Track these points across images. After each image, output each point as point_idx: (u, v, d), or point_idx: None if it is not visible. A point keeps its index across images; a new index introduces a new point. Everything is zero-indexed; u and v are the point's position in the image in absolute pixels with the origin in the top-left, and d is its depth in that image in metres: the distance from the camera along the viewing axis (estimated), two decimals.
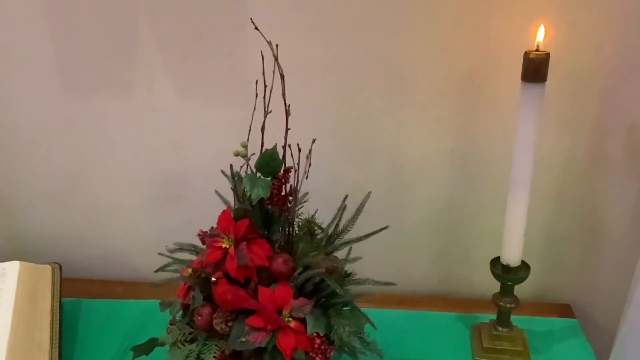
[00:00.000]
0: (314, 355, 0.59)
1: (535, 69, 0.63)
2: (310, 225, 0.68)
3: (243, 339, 0.59)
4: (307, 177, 0.62)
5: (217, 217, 0.63)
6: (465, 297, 0.90)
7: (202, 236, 0.65)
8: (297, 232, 0.66)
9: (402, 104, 0.80)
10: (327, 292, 0.62)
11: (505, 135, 0.78)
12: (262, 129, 0.61)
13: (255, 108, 0.61)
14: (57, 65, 0.83)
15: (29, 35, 0.81)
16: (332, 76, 0.80)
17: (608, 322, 0.85)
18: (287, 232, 0.65)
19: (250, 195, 0.60)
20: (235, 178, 0.65)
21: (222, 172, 0.66)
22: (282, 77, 0.59)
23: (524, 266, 0.74)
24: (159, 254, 0.67)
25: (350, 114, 0.82)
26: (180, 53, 0.81)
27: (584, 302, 0.89)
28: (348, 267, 0.66)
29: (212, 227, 0.64)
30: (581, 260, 0.87)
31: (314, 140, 0.61)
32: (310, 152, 0.61)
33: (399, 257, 0.90)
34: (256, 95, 0.60)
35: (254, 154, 0.61)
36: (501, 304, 0.75)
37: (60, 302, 0.81)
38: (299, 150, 0.61)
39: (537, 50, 0.64)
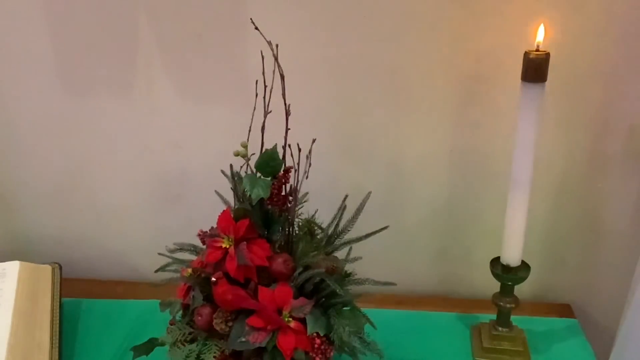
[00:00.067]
0: (314, 355, 0.59)
1: (535, 69, 0.63)
2: (310, 225, 0.68)
3: (243, 339, 0.59)
4: (307, 177, 0.62)
5: (217, 217, 0.63)
6: (465, 297, 0.90)
7: (202, 236, 0.65)
8: (297, 232, 0.66)
9: (402, 104, 0.80)
10: (327, 292, 0.62)
11: (505, 135, 0.78)
12: (262, 129, 0.61)
13: (255, 108, 0.61)
14: (57, 65, 0.83)
15: (28, 35, 0.81)
16: (332, 76, 0.80)
17: (608, 322, 0.85)
18: (287, 232, 0.65)
19: (250, 195, 0.60)
20: (235, 178, 0.65)
21: (222, 172, 0.66)
22: (282, 77, 0.59)
23: (524, 266, 0.74)
24: (159, 254, 0.67)
25: (350, 114, 0.82)
26: (180, 53, 0.81)
27: (584, 302, 0.89)
28: (348, 267, 0.66)
29: (212, 227, 0.64)
30: (581, 260, 0.87)
31: (314, 140, 0.61)
32: (310, 152, 0.61)
33: (399, 257, 0.90)
34: (256, 95, 0.60)
35: (254, 154, 0.61)
36: (501, 304, 0.75)
37: (60, 302, 0.81)
38: (299, 150, 0.61)
39: (537, 50, 0.64)
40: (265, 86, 0.60)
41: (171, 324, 0.65)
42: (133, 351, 0.64)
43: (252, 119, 0.62)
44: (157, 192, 0.90)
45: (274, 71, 0.59)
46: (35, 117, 0.86)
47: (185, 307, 0.64)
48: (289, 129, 0.60)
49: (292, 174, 0.62)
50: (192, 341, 0.62)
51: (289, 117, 0.60)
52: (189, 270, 0.63)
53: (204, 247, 0.65)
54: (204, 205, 0.69)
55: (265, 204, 0.62)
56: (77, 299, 0.87)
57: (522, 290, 0.76)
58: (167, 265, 0.67)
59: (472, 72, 0.77)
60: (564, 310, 0.87)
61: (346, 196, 0.68)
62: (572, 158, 0.81)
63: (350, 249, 0.67)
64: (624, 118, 0.78)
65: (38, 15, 0.80)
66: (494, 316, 0.78)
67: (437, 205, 0.86)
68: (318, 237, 0.67)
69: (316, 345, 0.59)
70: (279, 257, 0.62)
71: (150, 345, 0.64)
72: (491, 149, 0.81)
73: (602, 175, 0.81)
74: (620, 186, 0.82)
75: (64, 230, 0.94)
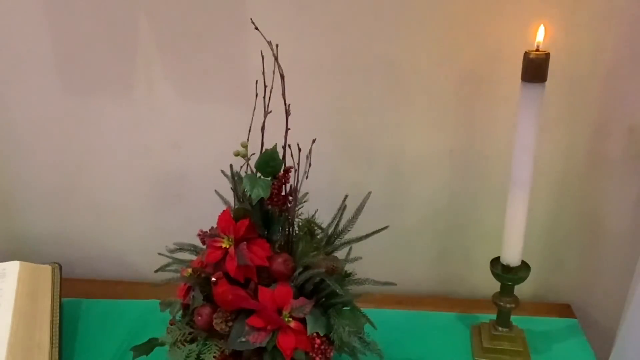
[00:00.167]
0: (314, 355, 0.59)
1: (535, 69, 0.63)
2: (310, 225, 0.68)
3: (243, 339, 0.59)
4: (307, 177, 0.62)
5: (217, 217, 0.63)
6: (465, 297, 0.90)
7: (202, 236, 0.65)
8: (297, 232, 0.66)
9: (402, 104, 0.80)
10: (327, 292, 0.62)
11: (505, 135, 0.78)
12: (262, 129, 0.61)
13: (255, 108, 0.61)
14: (57, 65, 0.83)
15: (29, 35, 0.81)
16: (332, 76, 0.80)
17: (608, 322, 0.85)
18: (287, 232, 0.65)
19: (250, 195, 0.60)
20: (235, 178, 0.65)
21: (222, 172, 0.66)
22: (282, 77, 0.59)
23: (524, 266, 0.74)
24: (159, 254, 0.67)
25: (350, 114, 0.82)
26: (180, 53, 0.81)
27: (584, 302, 0.89)
28: (348, 267, 0.66)
29: (212, 227, 0.64)
30: (581, 260, 0.87)
31: (314, 140, 0.61)
32: (310, 152, 0.61)
33: (399, 257, 0.90)
34: (256, 95, 0.60)
35: (254, 154, 0.61)
36: (501, 304, 0.75)
37: (60, 302, 0.81)
38: (299, 150, 0.61)
39: (537, 50, 0.64)
40: (265, 86, 0.60)
41: (171, 324, 0.65)
42: (133, 351, 0.64)
43: (252, 119, 0.62)
44: (157, 192, 0.90)
45: (274, 71, 0.59)
46: (35, 117, 0.86)
47: (185, 307, 0.64)
48: (289, 129, 0.60)
49: (292, 174, 0.62)
50: (192, 341, 0.62)
51: (289, 117, 0.60)
52: (189, 270, 0.63)
53: (204, 247, 0.65)
54: (204, 205, 0.69)
55: (265, 204, 0.62)
56: (77, 299, 0.87)
57: (522, 290, 0.76)
58: (167, 265, 0.67)
59: (472, 72, 0.77)
60: (564, 310, 0.87)
61: (346, 196, 0.68)
62: (572, 158, 0.81)
63: (350, 249, 0.67)
64: (624, 118, 0.78)
65: (38, 15, 0.80)
66: (494, 316, 0.78)
67: (437, 205, 0.86)
68: (318, 237, 0.67)
69: (316, 345, 0.59)
70: (279, 257, 0.62)
71: (150, 345, 0.64)
72: (491, 149, 0.81)
73: (602, 176, 0.81)
74: (620, 186, 0.81)
75: (64, 230, 0.94)
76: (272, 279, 0.62)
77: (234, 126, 0.65)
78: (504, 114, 0.78)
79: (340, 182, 0.84)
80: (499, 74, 0.76)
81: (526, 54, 0.63)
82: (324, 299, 0.63)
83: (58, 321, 0.78)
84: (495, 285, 0.75)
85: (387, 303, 0.85)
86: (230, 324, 0.60)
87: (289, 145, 0.62)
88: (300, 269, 0.62)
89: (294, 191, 0.63)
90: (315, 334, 0.60)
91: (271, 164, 0.61)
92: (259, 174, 0.61)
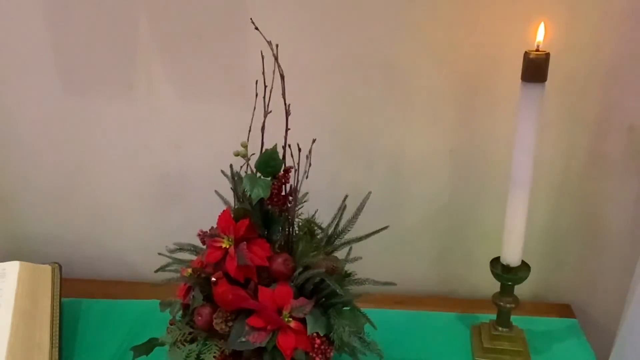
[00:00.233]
0: (314, 355, 0.59)
1: (535, 69, 0.63)
2: (310, 225, 0.68)
3: (243, 339, 0.59)
4: (307, 177, 0.62)
5: (217, 217, 0.63)
6: (465, 297, 0.90)
7: (202, 236, 0.65)
8: (297, 232, 0.66)
9: (402, 104, 0.80)
10: (327, 292, 0.62)
11: (505, 135, 0.78)
12: (262, 129, 0.61)
13: (255, 108, 0.61)
14: (57, 65, 0.83)
15: (29, 35, 0.81)
16: (332, 76, 0.80)
17: (608, 322, 0.85)
18: (287, 232, 0.65)
19: (250, 195, 0.60)
20: (235, 178, 0.65)
21: (222, 172, 0.66)
22: (282, 77, 0.59)
23: (524, 266, 0.74)
24: (159, 254, 0.67)
25: (350, 114, 0.82)
26: (180, 53, 0.81)
27: (584, 302, 0.89)
28: (348, 267, 0.66)
29: (212, 227, 0.64)
30: (581, 261, 0.87)
31: (314, 140, 0.61)
32: (310, 152, 0.61)
33: (399, 257, 0.90)
34: (256, 95, 0.60)
35: (254, 154, 0.61)
36: (501, 304, 0.75)
37: (60, 302, 0.81)
38: (299, 150, 0.61)
39: (537, 50, 0.64)
40: (265, 86, 0.60)
41: (171, 324, 0.65)
42: (133, 351, 0.64)
43: (252, 119, 0.62)
44: (157, 192, 0.90)
45: (274, 71, 0.59)
46: (35, 117, 0.86)
47: (185, 307, 0.64)
48: (289, 129, 0.60)
49: (292, 174, 0.62)
50: (192, 341, 0.62)
51: (289, 117, 0.60)
52: (189, 270, 0.63)
53: (204, 247, 0.65)
54: (204, 205, 0.69)
55: (265, 204, 0.62)
56: (77, 299, 0.87)
57: (522, 290, 0.76)
58: (167, 265, 0.67)
59: (472, 72, 0.77)
60: (564, 310, 0.87)
61: (346, 196, 0.68)
62: (572, 158, 0.81)
63: (350, 249, 0.67)
64: (624, 118, 0.78)
65: (38, 16, 0.80)
66: (494, 316, 0.78)
67: (437, 205, 0.86)
68: (318, 237, 0.67)
69: (316, 345, 0.59)
70: (279, 257, 0.62)
71: (150, 345, 0.64)
72: (491, 149, 0.81)
73: (602, 175, 0.81)
74: (620, 186, 0.82)
75: (64, 230, 0.94)
76: (272, 279, 0.62)
77: (234, 126, 0.65)
78: (504, 114, 0.78)
79: (340, 182, 0.84)
80: (499, 74, 0.76)
81: (526, 54, 0.63)
82: (324, 299, 0.63)
83: (58, 321, 0.78)
84: (495, 285, 0.75)
85: (387, 303, 0.85)
86: (230, 324, 0.60)
87: (289, 145, 0.62)
88: (300, 269, 0.62)
89: (294, 191, 0.63)
90: (315, 334, 0.60)
91: (271, 164, 0.61)
92: (259, 174, 0.61)
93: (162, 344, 0.63)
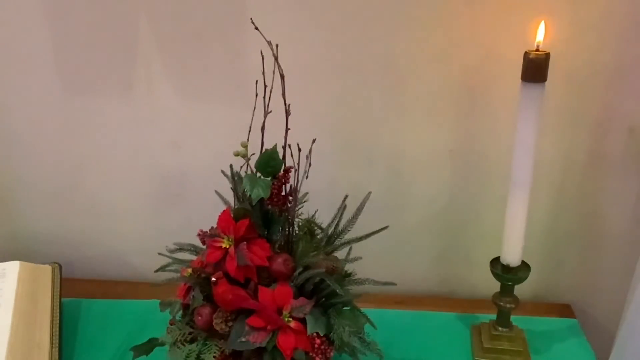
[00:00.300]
0: (314, 355, 0.59)
1: (535, 69, 0.63)
2: (310, 225, 0.68)
3: (243, 339, 0.59)
4: (307, 177, 0.62)
5: (217, 217, 0.63)
6: (465, 297, 0.90)
7: (202, 236, 0.65)
8: (297, 232, 0.66)
9: (402, 104, 0.80)
10: (327, 292, 0.62)
11: (505, 135, 0.78)
12: (262, 129, 0.61)
13: (255, 108, 0.61)
14: (57, 65, 0.83)
15: (29, 35, 0.81)
16: (332, 76, 0.80)
17: (608, 322, 0.85)
18: (287, 232, 0.65)
19: (250, 195, 0.60)
20: (235, 178, 0.65)
21: (222, 172, 0.66)
22: (282, 77, 0.59)
23: (524, 266, 0.74)
24: (159, 254, 0.67)
25: (350, 114, 0.82)
26: (180, 53, 0.81)
27: (584, 302, 0.89)
28: (348, 267, 0.66)
29: (212, 227, 0.64)
30: (581, 260, 0.87)
31: (314, 140, 0.61)
32: (310, 152, 0.61)
33: (399, 257, 0.90)
34: (256, 95, 0.60)
35: (254, 154, 0.61)
36: (501, 304, 0.75)
37: (60, 302, 0.81)
38: (299, 150, 0.61)
39: (537, 50, 0.64)
40: (265, 86, 0.60)
41: (171, 324, 0.65)
42: (133, 351, 0.64)
43: (252, 119, 0.62)
44: (157, 192, 0.90)
45: (274, 71, 0.59)
46: (35, 117, 0.86)
47: (185, 307, 0.64)
48: (289, 129, 0.60)
49: (292, 174, 0.62)
50: (192, 341, 0.62)
51: (289, 117, 0.60)
52: (189, 270, 0.63)
53: (204, 247, 0.65)
54: (204, 205, 0.69)
55: (265, 204, 0.62)
56: (77, 299, 0.87)
57: (522, 290, 0.76)
58: (167, 265, 0.67)
59: (472, 72, 0.77)
60: (564, 310, 0.87)
61: (346, 196, 0.68)
62: (572, 158, 0.81)
63: (350, 249, 0.67)
64: (624, 118, 0.78)
65: (38, 15, 0.80)
66: (494, 316, 0.78)
67: (437, 205, 0.86)
68: (318, 237, 0.67)
69: (316, 345, 0.59)
70: (279, 257, 0.62)
71: (150, 345, 0.64)
72: (491, 149, 0.81)
73: (602, 175, 0.81)
74: (620, 186, 0.82)
75: (64, 230, 0.94)
76: (272, 279, 0.62)
77: (234, 126, 0.65)
78: (504, 114, 0.78)
79: (340, 182, 0.84)
80: (499, 74, 0.76)
81: (526, 54, 0.63)
82: (324, 299, 0.63)
83: (58, 321, 0.78)
84: (495, 285, 0.75)
85: (387, 303, 0.85)
86: (230, 324, 0.60)
87: (289, 145, 0.62)
88: (300, 269, 0.62)
89: (294, 191, 0.63)
90: (315, 334, 0.60)
91: (271, 164, 0.61)
92: (259, 174, 0.61)
93: (162, 344, 0.63)
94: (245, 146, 0.61)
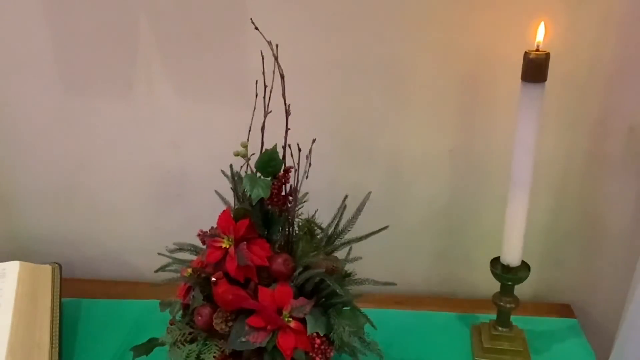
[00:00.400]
0: (314, 355, 0.59)
1: (535, 69, 0.63)
2: (310, 225, 0.68)
3: (243, 339, 0.59)
4: (307, 177, 0.62)
5: (217, 217, 0.63)
6: (465, 297, 0.90)
7: (202, 236, 0.65)
8: (297, 232, 0.66)
9: (402, 104, 0.80)
10: (327, 292, 0.62)
11: (505, 135, 0.78)
12: (262, 129, 0.61)
13: (255, 108, 0.61)
14: (57, 65, 0.83)
15: (29, 35, 0.81)
16: (332, 76, 0.80)
17: (608, 322, 0.85)
18: (287, 232, 0.65)
19: (250, 195, 0.60)
20: (235, 178, 0.65)
21: (222, 172, 0.66)
22: (282, 77, 0.59)
23: (524, 266, 0.74)
24: (159, 254, 0.67)
25: (350, 114, 0.82)
26: (180, 53, 0.81)
27: (584, 302, 0.89)
28: (348, 267, 0.66)
29: (212, 227, 0.64)
30: (581, 260, 0.87)
31: (314, 140, 0.61)
32: (310, 152, 0.61)
33: (399, 257, 0.90)
34: (256, 95, 0.60)
35: (254, 154, 0.61)
36: (501, 304, 0.75)
37: (60, 302, 0.81)
38: (299, 150, 0.61)
39: (537, 50, 0.64)
40: (265, 86, 0.60)
41: (171, 324, 0.65)
42: (133, 351, 0.64)
43: (252, 119, 0.62)
44: (157, 192, 0.90)
45: (274, 71, 0.59)
46: (35, 117, 0.86)
47: (185, 307, 0.64)
48: (289, 129, 0.60)
49: (292, 174, 0.62)
50: (192, 341, 0.62)
51: (289, 117, 0.60)
52: (189, 270, 0.63)
53: (204, 247, 0.65)
54: (204, 205, 0.69)
55: (265, 204, 0.62)
56: (77, 299, 0.87)
57: (522, 290, 0.76)
58: (167, 265, 0.67)
59: (472, 72, 0.77)
60: (564, 310, 0.87)
61: (346, 196, 0.68)
62: (572, 158, 0.81)
63: (350, 249, 0.67)
64: (624, 118, 0.78)
65: (38, 15, 0.80)
66: (494, 316, 0.78)
67: (437, 205, 0.86)
68: (318, 237, 0.67)
69: (316, 345, 0.59)
70: (279, 257, 0.62)
71: (150, 345, 0.64)
72: (491, 149, 0.81)
73: (602, 176, 0.81)
74: (620, 186, 0.81)
75: (64, 230, 0.94)
76: (272, 279, 0.62)
77: (234, 126, 0.65)
78: (504, 114, 0.78)
79: (340, 182, 0.84)
80: (499, 74, 0.76)
81: (526, 54, 0.63)
82: (324, 299, 0.63)
83: (58, 321, 0.78)
84: (495, 285, 0.75)
85: (387, 303, 0.85)
86: (230, 324, 0.60)
87: (289, 145, 0.62)
88: (300, 269, 0.62)
89: (294, 191, 0.63)
90: (315, 334, 0.60)
91: (271, 164, 0.61)
92: (259, 174, 0.61)
93: (162, 344, 0.63)
94: (245, 146, 0.61)
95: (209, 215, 0.64)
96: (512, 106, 0.67)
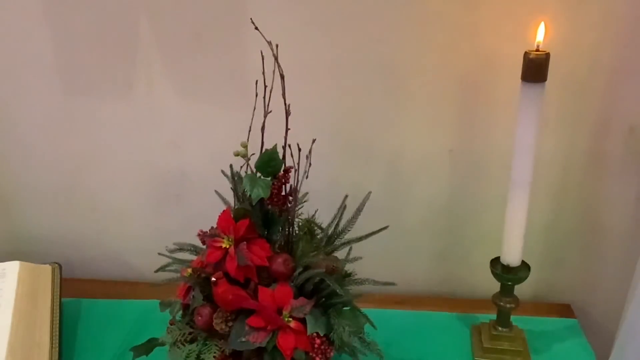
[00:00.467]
0: (314, 355, 0.59)
1: (535, 69, 0.63)
2: (310, 225, 0.68)
3: (243, 339, 0.59)
4: (307, 177, 0.62)
5: (217, 217, 0.63)
6: (465, 297, 0.90)
7: (202, 236, 0.65)
8: (297, 232, 0.66)
9: (402, 104, 0.80)
10: (327, 292, 0.62)
11: (505, 136, 0.78)
12: (262, 129, 0.61)
13: (255, 108, 0.61)
14: (57, 65, 0.83)
15: (29, 35, 0.81)
16: (332, 76, 0.80)
17: (608, 322, 0.85)
18: (287, 232, 0.65)
19: (250, 195, 0.60)
20: (235, 178, 0.65)
21: (222, 172, 0.66)
22: (282, 77, 0.59)
23: (524, 266, 0.74)
24: (159, 254, 0.67)
25: (350, 114, 0.82)
26: (180, 53, 0.81)
27: (584, 302, 0.89)
28: (348, 267, 0.66)
29: (212, 227, 0.64)
30: (581, 260, 0.87)
31: (314, 140, 0.61)
32: (310, 152, 0.61)
33: (399, 257, 0.90)
34: (256, 95, 0.60)
35: (254, 154, 0.61)
36: (501, 304, 0.75)
37: (60, 302, 0.81)
38: (299, 150, 0.61)
39: (537, 50, 0.64)
40: (265, 86, 0.60)
41: (171, 324, 0.65)
42: (133, 351, 0.64)
43: (252, 119, 0.62)
44: (157, 192, 0.90)
45: (274, 71, 0.59)
46: (35, 117, 0.86)
47: (185, 307, 0.64)
48: (289, 129, 0.60)
49: (292, 174, 0.62)
50: (192, 341, 0.62)
51: (289, 117, 0.60)
52: (189, 270, 0.63)
53: (204, 247, 0.65)
54: (204, 205, 0.69)
55: (265, 204, 0.62)
56: (77, 299, 0.87)
57: (522, 290, 0.76)
58: (167, 265, 0.67)
59: (471, 72, 0.77)
60: (564, 310, 0.87)
61: (346, 196, 0.68)
62: (572, 158, 0.81)
63: (350, 249, 0.67)
64: (624, 118, 0.78)
65: (38, 15, 0.80)
66: (494, 316, 0.78)
67: (437, 205, 0.86)
68: (318, 237, 0.67)
69: (316, 345, 0.59)
70: (279, 257, 0.62)
71: (150, 345, 0.64)
72: (491, 149, 0.81)
73: (602, 176, 0.81)
74: (620, 186, 0.81)
75: (64, 230, 0.94)
76: (272, 279, 0.62)
77: (234, 126, 0.65)
78: (504, 114, 0.78)
79: (340, 182, 0.84)
80: (499, 74, 0.76)
81: (526, 54, 0.63)
82: (324, 299, 0.63)
83: (58, 321, 0.78)
84: (495, 285, 0.75)
85: (387, 303, 0.85)
86: (230, 324, 0.60)
87: (289, 145, 0.62)
88: (300, 269, 0.62)
89: (294, 191, 0.63)
90: (315, 334, 0.60)
91: (271, 164, 0.61)
92: (259, 174, 0.61)
93: (162, 344, 0.63)
94: (245, 146, 0.61)
95: (209, 215, 0.64)
96: (512, 106, 0.67)
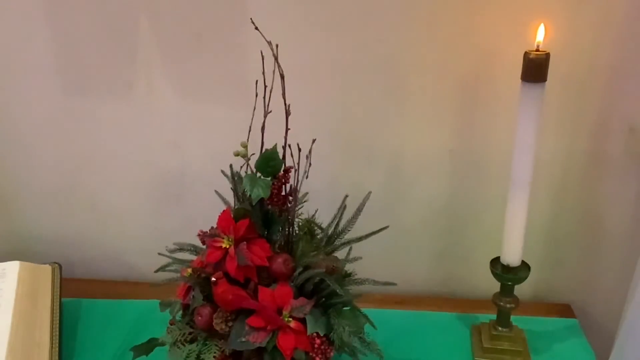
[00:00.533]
0: (314, 355, 0.59)
1: (535, 69, 0.63)
2: (310, 225, 0.68)
3: (243, 339, 0.59)
4: (307, 177, 0.62)
5: (217, 217, 0.63)
6: (465, 297, 0.90)
7: (202, 236, 0.65)
8: (297, 232, 0.66)
9: (402, 104, 0.80)
10: (327, 292, 0.62)
11: (505, 135, 0.78)
12: (262, 129, 0.61)
13: (255, 108, 0.61)
14: (57, 65, 0.83)
15: (29, 35, 0.81)
16: (332, 76, 0.80)
17: (608, 322, 0.85)
18: (287, 232, 0.65)
19: (250, 195, 0.60)
20: (235, 178, 0.65)
21: (222, 172, 0.66)
22: (282, 77, 0.59)
23: (524, 266, 0.74)
24: (159, 254, 0.67)
25: (350, 114, 0.82)
26: (180, 53, 0.81)
27: (584, 302, 0.89)
28: (348, 267, 0.66)
29: (212, 227, 0.64)
30: (581, 260, 0.87)
31: (314, 140, 0.61)
32: (310, 152, 0.61)
33: (399, 257, 0.90)
34: (256, 95, 0.60)
35: (254, 154, 0.61)
36: (501, 304, 0.75)
37: (60, 302, 0.81)
38: (299, 150, 0.61)
39: (537, 50, 0.64)
40: (265, 86, 0.60)
41: (171, 324, 0.65)
42: (133, 351, 0.64)
43: (252, 119, 0.62)
44: (157, 192, 0.90)
45: (274, 71, 0.59)
46: (35, 117, 0.86)
47: (185, 307, 0.64)
48: (289, 129, 0.60)
49: (292, 174, 0.62)
50: (192, 341, 0.62)
51: (289, 117, 0.60)
52: (189, 270, 0.63)
53: (204, 247, 0.65)
54: (204, 205, 0.69)
55: (265, 204, 0.62)
56: (77, 299, 0.87)
57: (522, 290, 0.76)
58: (167, 265, 0.67)
59: (472, 72, 0.77)
60: (564, 310, 0.87)
61: (346, 196, 0.68)
62: (572, 158, 0.81)
63: (350, 249, 0.67)
64: (624, 118, 0.78)
65: (38, 16, 0.80)
66: (494, 316, 0.78)
67: (437, 205, 0.86)
68: (318, 237, 0.67)
69: (316, 345, 0.59)
70: (279, 257, 0.62)
71: (150, 345, 0.64)
72: (491, 149, 0.81)
73: (602, 176, 0.81)
74: (620, 186, 0.81)
75: (64, 230, 0.94)
76: (272, 279, 0.62)
77: (234, 126, 0.65)
78: (504, 114, 0.78)
79: (340, 182, 0.84)
80: (499, 74, 0.76)
81: (526, 54, 0.63)
82: (324, 299, 0.63)
83: (58, 321, 0.78)
84: (495, 285, 0.75)
85: (387, 303, 0.85)
86: (230, 324, 0.60)
87: (289, 145, 0.62)
88: (300, 269, 0.62)
89: (294, 191, 0.63)
90: (315, 334, 0.60)
91: (271, 164, 0.61)
92: (259, 174, 0.61)
93: (162, 344, 0.63)
94: (245, 146, 0.61)
95: (209, 215, 0.64)
96: (512, 106, 0.67)
